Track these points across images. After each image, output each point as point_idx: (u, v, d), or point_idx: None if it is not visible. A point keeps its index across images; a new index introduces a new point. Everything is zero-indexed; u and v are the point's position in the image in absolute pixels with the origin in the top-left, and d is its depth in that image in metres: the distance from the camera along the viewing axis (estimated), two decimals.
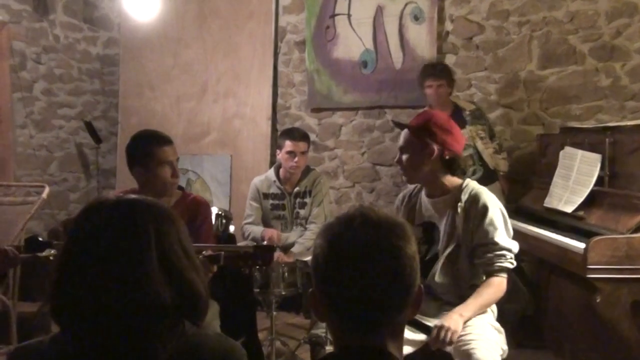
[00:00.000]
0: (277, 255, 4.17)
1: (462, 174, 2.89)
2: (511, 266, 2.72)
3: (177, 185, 3.16)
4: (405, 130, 2.84)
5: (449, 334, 2.49)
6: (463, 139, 2.89)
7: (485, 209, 2.72)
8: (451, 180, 2.84)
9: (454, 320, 2.52)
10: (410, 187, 3.09)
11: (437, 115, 2.88)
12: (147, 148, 3.03)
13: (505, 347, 2.70)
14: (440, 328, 2.50)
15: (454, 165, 2.82)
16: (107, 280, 1.34)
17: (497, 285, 2.69)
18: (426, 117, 2.84)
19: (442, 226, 2.82)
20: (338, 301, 1.33)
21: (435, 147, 2.75)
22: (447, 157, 2.78)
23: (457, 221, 2.75)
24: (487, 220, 2.71)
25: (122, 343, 1.34)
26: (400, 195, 3.10)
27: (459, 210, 2.75)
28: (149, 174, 3.04)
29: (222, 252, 2.63)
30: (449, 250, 2.76)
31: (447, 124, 2.83)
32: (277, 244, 4.26)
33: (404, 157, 2.82)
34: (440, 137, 2.76)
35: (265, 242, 4.25)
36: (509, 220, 2.78)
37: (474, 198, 2.76)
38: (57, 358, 1.37)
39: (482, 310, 2.67)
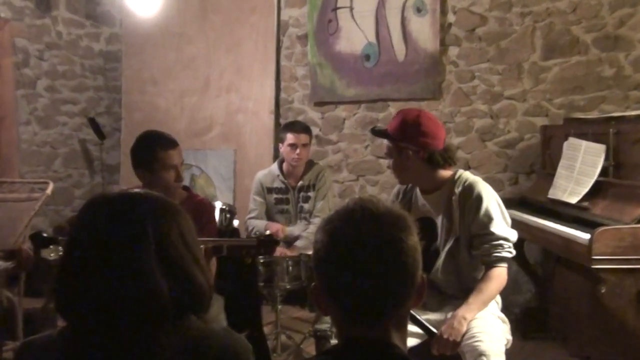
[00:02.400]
0: (281, 250, 4.18)
1: (453, 164, 2.87)
2: (510, 255, 2.70)
3: (179, 188, 3.16)
4: (383, 137, 2.89)
5: (449, 347, 2.49)
6: (441, 130, 2.83)
7: (479, 199, 2.71)
8: (442, 173, 2.82)
9: (455, 330, 2.51)
10: None
11: (409, 114, 2.82)
12: (152, 151, 3.02)
13: (510, 337, 2.70)
14: (440, 340, 2.49)
15: (435, 161, 2.79)
16: (106, 273, 1.34)
17: (497, 276, 2.68)
18: (398, 119, 2.80)
19: (440, 221, 2.81)
20: (341, 295, 1.33)
21: (410, 151, 2.74)
22: (425, 156, 2.77)
23: (453, 215, 2.75)
24: (482, 210, 2.70)
25: (124, 336, 1.34)
26: (395, 190, 3.08)
27: (454, 203, 2.74)
28: (152, 176, 3.03)
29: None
30: (449, 245, 2.75)
31: (418, 121, 2.77)
32: (281, 238, 4.27)
33: (390, 162, 2.86)
34: (414, 138, 2.74)
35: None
36: (505, 210, 2.77)
37: (468, 189, 2.74)
38: (64, 352, 1.38)
39: (485, 306, 2.66)
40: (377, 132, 2.96)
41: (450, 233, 2.76)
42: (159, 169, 3.01)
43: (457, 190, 2.75)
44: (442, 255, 2.76)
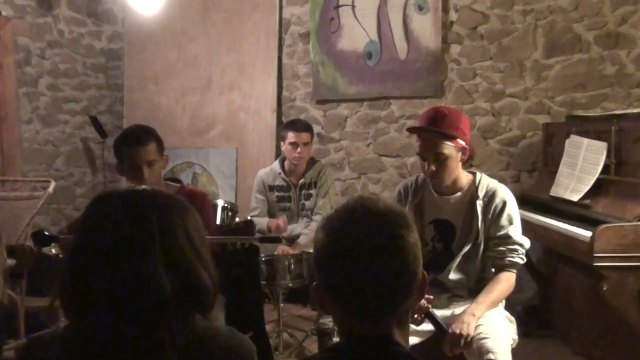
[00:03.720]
0: (283, 248, 4.19)
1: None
2: (522, 262, 2.73)
3: (156, 182, 3.07)
4: (437, 137, 2.66)
5: (462, 341, 2.48)
6: None
7: (504, 204, 2.72)
8: (464, 175, 2.82)
9: (466, 324, 2.51)
10: (408, 180, 3.01)
11: (461, 113, 2.80)
12: (119, 147, 3.04)
13: (516, 337, 2.71)
14: (453, 335, 2.49)
15: (470, 160, 2.81)
16: (110, 271, 1.34)
17: (507, 280, 2.71)
18: (455, 117, 2.71)
19: (459, 224, 2.80)
20: (342, 294, 1.33)
21: (467, 147, 2.73)
22: (472, 154, 2.78)
23: (475, 218, 2.74)
24: (505, 214, 2.71)
25: (128, 333, 1.34)
26: (401, 189, 2.98)
27: (479, 208, 2.74)
28: (125, 172, 3.05)
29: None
30: (466, 248, 2.75)
31: (466, 119, 2.79)
32: (284, 231, 4.29)
33: (440, 164, 2.69)
34: (467, 136, 2.73)
35: (272, 232, 4.28)
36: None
37: (492, 194, 2.75)
38: (69, 348, 1.38)
39: (494, 307, 2.68)
40: (441, 134, 2.68)
41: (470, 236, 2.75)
42: (127, 166, 3.01)
43: (481, 194, 2.75)
44: (458, 258, 2.76)
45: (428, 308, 2.44)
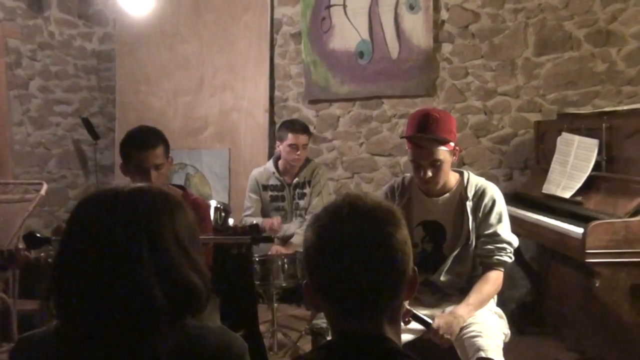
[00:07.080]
0: (277, 248, 4.19)
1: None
2: (510, 260, 2.73)
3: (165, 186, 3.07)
4: (432, 143, 2.64)
5: (445, 338, 2.49)
6: None
7: (493, 202, 2.73)
8: (451, 175, 2.81)
9: (453, 325, 2.51)
10: (394, 182, 2.99)
11: (449, 114, 2.80)
12: (126, 150, 3.00)
13: (508, 331, 2.71)
14: (437, 330, 2.49)
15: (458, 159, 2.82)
16: (98, 272, 1.32)
17: (495, 280, 2.71)
18: (447, 120, 2.70)
19: (449, 225, 2.80)
20: (332, 292, 1.33)
21: (457, 149, 2.73)
22: (461, 154, 2.78)
23: (466, 220, 2.74)
24: (494, 213, 2.71)
25: (119, 335, 1.32)
26: (387, 190, 2.97)
27: (468, 209, 2.74)
28: (130, 174, 3.02)
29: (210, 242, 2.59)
30: (458, 249, 2.75)
31: (454, 119, 2.80)
32: (277, 231, 4.28)
33: (436, 169, 2.67)
34: (456, 137, 2.74)
35: (266, 232, 4.27)
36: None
37: (482, 193, 2.76)
38: (60, 348, 1.37)
39: (482, 307, 2.68)
40: (434, 140, 2.64)
41: (460, 237, 2.76)
42: (132, 168, 2.98)
43: (470, 194, 2.75)
44: (449, 260, 2.76)
45: (410, 310, 2.46)
